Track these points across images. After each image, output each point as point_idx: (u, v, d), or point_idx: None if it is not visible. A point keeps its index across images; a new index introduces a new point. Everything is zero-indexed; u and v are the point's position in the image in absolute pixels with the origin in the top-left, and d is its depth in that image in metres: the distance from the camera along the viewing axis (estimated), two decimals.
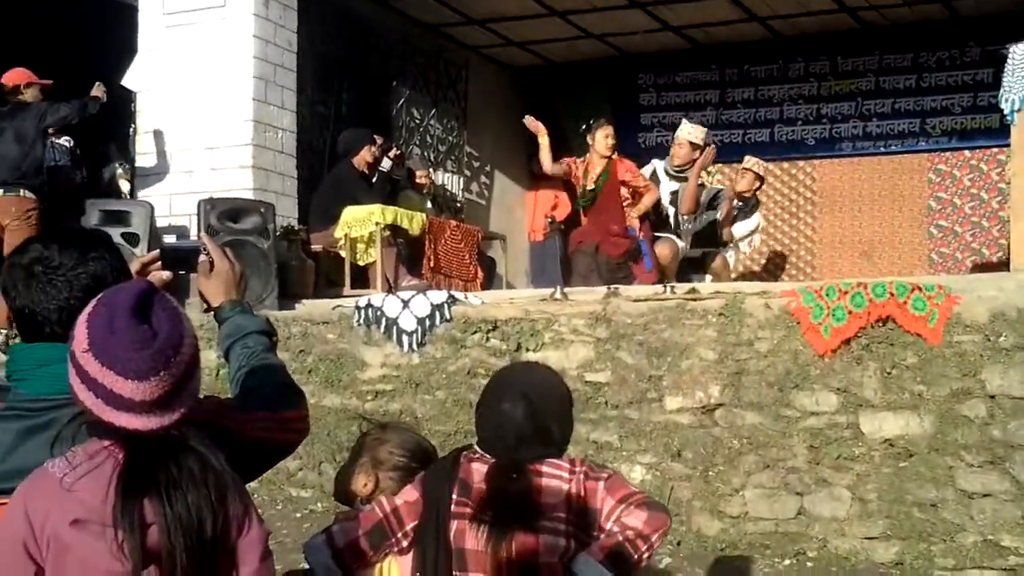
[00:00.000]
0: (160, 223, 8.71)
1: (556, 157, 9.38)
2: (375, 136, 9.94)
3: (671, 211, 9.58)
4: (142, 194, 9.16)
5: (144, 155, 9.32)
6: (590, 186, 9.13)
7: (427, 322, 7.58)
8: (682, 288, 7.44)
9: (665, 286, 7.53)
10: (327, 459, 7.49)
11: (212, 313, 2.46)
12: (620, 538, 2.75)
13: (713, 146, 9.62)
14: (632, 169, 9.34)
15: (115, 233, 7.36)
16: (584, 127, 9.38)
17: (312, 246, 9.18)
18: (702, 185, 9.77)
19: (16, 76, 8.76)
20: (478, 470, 2.89)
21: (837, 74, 12.56)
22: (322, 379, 7.75)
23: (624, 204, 9.30)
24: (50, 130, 8.68)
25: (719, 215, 9.43)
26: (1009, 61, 7.08)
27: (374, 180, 9.80)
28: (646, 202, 9.37)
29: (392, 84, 11.73)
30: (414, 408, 7.48)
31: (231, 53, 9.03)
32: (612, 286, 7.69)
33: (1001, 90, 7.11)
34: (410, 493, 2.93)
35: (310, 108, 10.28)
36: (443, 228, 9.76)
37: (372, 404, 7.59)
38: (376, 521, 2.90)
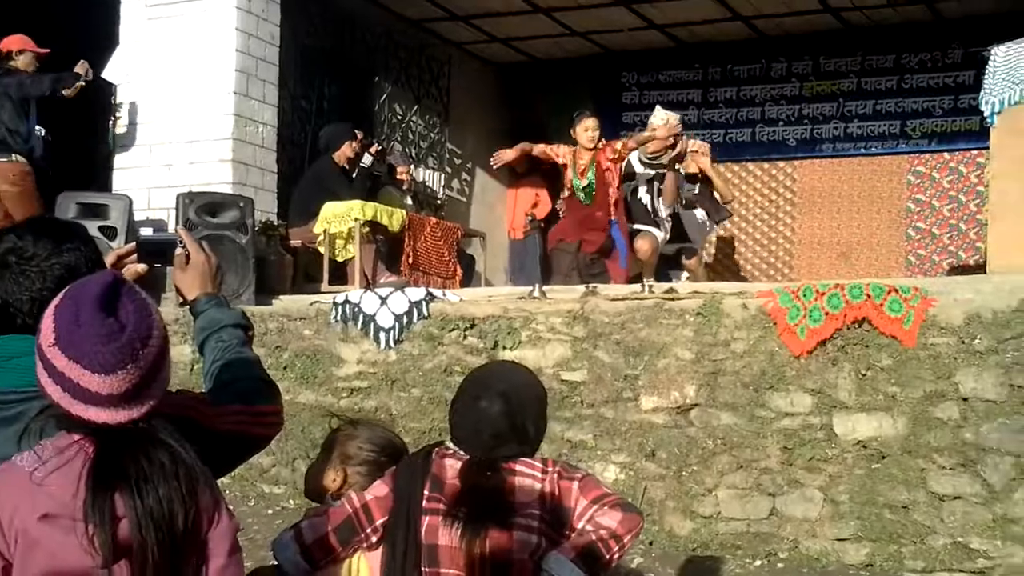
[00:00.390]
0: (138, 216, 8.66)
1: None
2: (356, 131, 9.93)
3: (647, 199, 9.53)
4: (120, 187, 9.12)
5: (123, 148, 9.28)
6: (583, 182, 8.95)
7: (405, 319, 7.56)
8: (660, 287, 7.45)
9: (643, 285, 7.53)
10: (300, 456, 7.46)
11: (187, 306, 2.46)
12: (593, 537, 2.76)
13: (686, 137, 9.64)
14: (607, 150, 8.97)
15: (92, 226, 7.32)
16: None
17: (291, 241, 9.17)
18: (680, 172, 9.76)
19: (10, 42, 8.64)
20: (451, 466, 2.89)
21: (819, 75, 12.62)
22: (298, 375, 7.73)
23: (611, 198, 9.19)
24: (32, 101, 8.55)
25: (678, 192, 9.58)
26: (991, 64, 7.07)
27: (355, 176, 9.79)
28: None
29: (375, 79, 11.73)
30: (389, 405, 7.47)
31: (213, 46, 9.00)
32: (591, 285, 7.70)
33: (982, 92, 7.10)
34: (380, 488, 2.92)
35: (292, 102, 10.26)
36: (423, 225, 9.76)
37: (347, 401, 7.58)
38: (345, 517, 2.88)
